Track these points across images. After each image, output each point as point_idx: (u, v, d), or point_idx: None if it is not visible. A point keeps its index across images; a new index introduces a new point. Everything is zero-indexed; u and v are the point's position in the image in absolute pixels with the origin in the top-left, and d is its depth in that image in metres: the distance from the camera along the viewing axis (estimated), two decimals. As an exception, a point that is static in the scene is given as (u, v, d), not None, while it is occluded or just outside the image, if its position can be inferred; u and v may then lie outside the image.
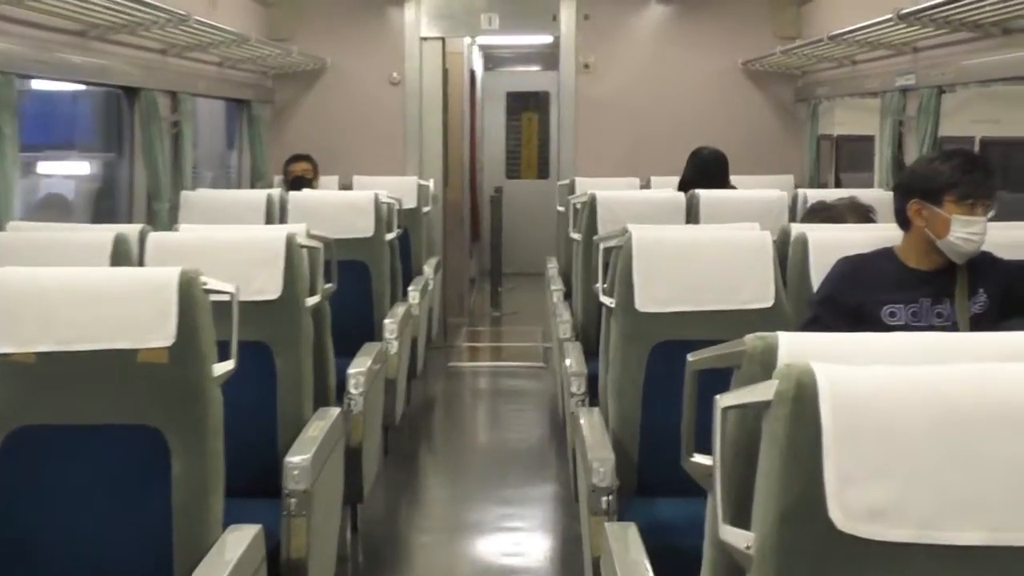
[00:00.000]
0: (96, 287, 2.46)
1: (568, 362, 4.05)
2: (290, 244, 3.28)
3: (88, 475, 2.42)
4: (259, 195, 5.21)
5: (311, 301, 3.35)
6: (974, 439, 1.42)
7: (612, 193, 5.12)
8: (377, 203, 5.16)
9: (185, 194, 5.24)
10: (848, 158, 6.31)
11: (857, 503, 1.42)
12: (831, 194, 5.16)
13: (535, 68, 11.94)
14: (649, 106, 7.55)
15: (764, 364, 1.62)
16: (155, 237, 3.32)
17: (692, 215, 5.02)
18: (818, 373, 1.45)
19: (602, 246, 3.43)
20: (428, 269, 6.61)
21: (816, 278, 3.24)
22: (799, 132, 7.37)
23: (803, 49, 6.31)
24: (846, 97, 6.35)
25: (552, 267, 6.61)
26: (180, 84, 5.39)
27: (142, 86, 4.90)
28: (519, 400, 6.55)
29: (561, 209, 7.04)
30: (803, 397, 1.44)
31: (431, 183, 7.39)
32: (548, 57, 10.88)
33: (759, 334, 1.66)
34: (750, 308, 3.23)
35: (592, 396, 3.78)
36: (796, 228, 3.43)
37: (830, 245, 3.26)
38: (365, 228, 5.12)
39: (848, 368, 1.47)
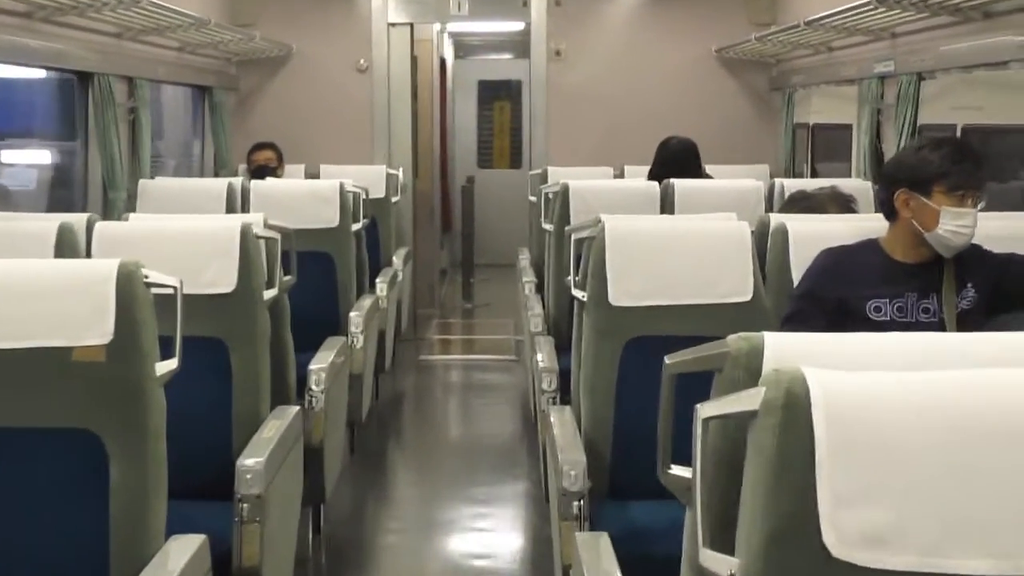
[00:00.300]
0: (28, 280, 2.29)
1: (539, 357, 3.90)
2: (245, 235, 3.12)
3: (19, 481, 2.26)
4: (220, 184, 5.04)
5: (268, 295, 3.19)
6: (980, 454, 1.28)
7: (585, 182, 4.99)
8: (342, 192, 4.99)
9: (143, 183, 5.06)
10: (824, 147, 6.20)
11: (853, 526, 1.27)
12: (808, 184, 5.05)
13: (507, 56, 11.79)
14: (622, 94, 7.41)
15: (748, 368, 1.48)
16: (102, 227, 3.14)
17: (667, 205, 4.89)
18: (810, 380, 1.31)
19: (574, 237, 3.28)
20: (397, 260, 6.46)
21: (797, 271, 3.10)
22: (774, 121, 7.24)
23: (778, 36, 6.18)
24: (822, 85, 6.22)
25: (524, 258, 6.47)
26: (137, 69, 5.19)
27: (96, 71, 4.70)
28: (490, 394, 6.41)
29: (533, 199, 6.90)
30: (794, 406, 1.30)
31: (400, 172, 7.22)
32: (520, 45, 10.73)
33: (743, 335, 1.52)
34: (728, 302, 3.10)
35: (564, 393, 3.64)
36: (775, 218, 3.30)
37: (811, 236, 3.13)
38: (330, 218, 4.95)
39: (842, 374, 1.33)
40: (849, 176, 5.66)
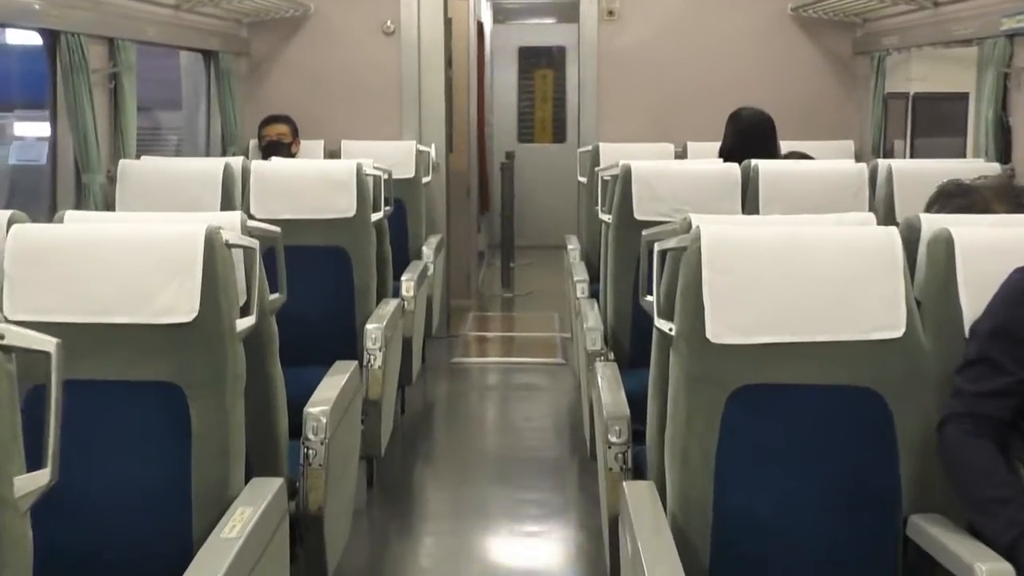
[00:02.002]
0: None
1: (604, 398, 3.03)
2: (211, 245, 2.30)
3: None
4: (214, 165, 4.23)
5: (243, 324, 2.37)
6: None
7: (650, 164, 4.13)
8: (360, 175, 4.17)
9: (124, 164, 4.26)
10: (927, 121, 5.28)
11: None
12: (921, 166, 4.19)
13: (550, 20, 10.86)
14: (683, 60, 6.49)
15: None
16: (21, 232, 2.32)
17: (749, 192, 4.05)
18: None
19: (657, 248, 2.44)
20: (428, 250, 5.63)
21: (968, 297, 2.26)
22: (857, 90, 6.33)
23: (871, -11, 5.28)
24: (925, 47, 5.29)
25: (573, 249, 5.62)
26: (118, 28, 4.38)
27: (63, 29, 3.89)
28: (534, 404, 5.56)
29: (583, 180, 6.05)
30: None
31: (432, 149, 6.40)
32: (564, 7, 9.85)
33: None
34: (871, 339, 2.25)
35: (637, 442, 2.80)
36: (930, 221, 2.44)
37: (988, 248, 2.30)
38: (345, 207, 4.15)
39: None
40: (964, 156, 4.78)
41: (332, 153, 6.09)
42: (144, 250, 2.29)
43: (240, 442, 2.34)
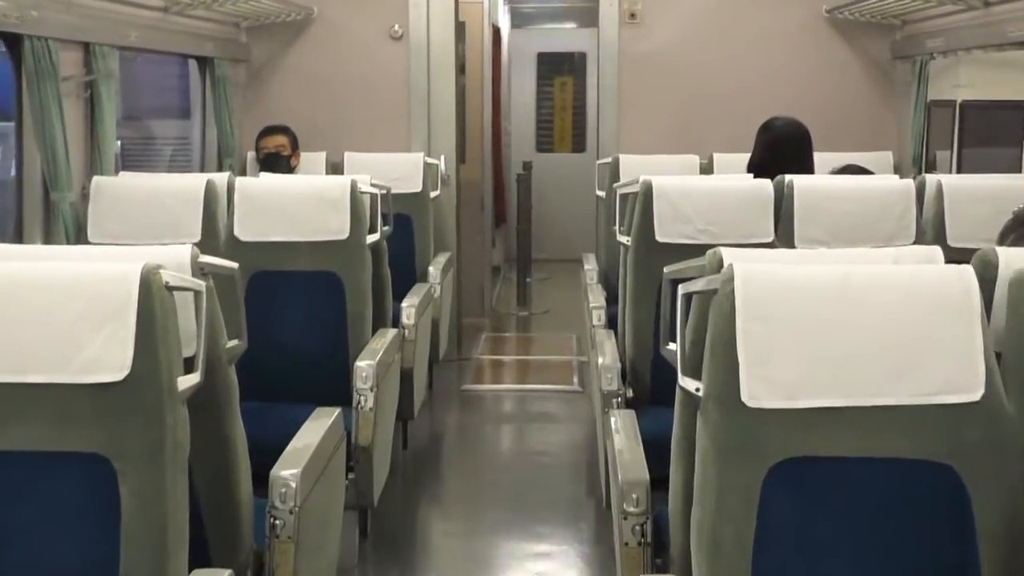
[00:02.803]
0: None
1: (619, 458, 2.59)
2: (148, 289, 1.92)
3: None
4: (195, 182, 3.87)
5: (186, 383, 1.98)
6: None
7: (673, 180, 3.74)
8: (354, 193, 3.80)
9: (97, 181, 3.91)
10: (976, 131, 4.86)
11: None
12: (975, 183, 3.79)
13: (570, 25, 10.48)
14: (709, 65, 6.10)
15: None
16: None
17: (783, 211, 3.66)
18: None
19: (682, 290, 2.04)
20: (435, 271, 5.25)
21: (1063, 352, 1.85)
22: (895, 97, 5.92)
23: (915, -11, 4.87)
24: (974, 51, 4.87)
25: (590, 269, 5.22)
26: (94, 32, 4.02)
27: (26, 32, 3.54)
28: (550, 438, 5.16)
29: (601, 194, 5.66)
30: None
31: (441, 161, 6.03)
32: (585, 12, 9.49)
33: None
34: (944, 403, 1.85)
35: (660, 488, 2.41)
36: (1009, 257, 2.03)
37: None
38: (338, 228, 3.79)
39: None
40: (1020, 170, 4.36)
41: (335, 166, 5.73)
42: (69, 294, 1.91)
43: (180, 524, 1.94)
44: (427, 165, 5.67)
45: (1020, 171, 4.33)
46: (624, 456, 2.50)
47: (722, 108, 6.03)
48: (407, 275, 5.16)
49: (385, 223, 4.16)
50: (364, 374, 3.36)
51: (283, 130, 5.58)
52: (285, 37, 6.08)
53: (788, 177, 3.75)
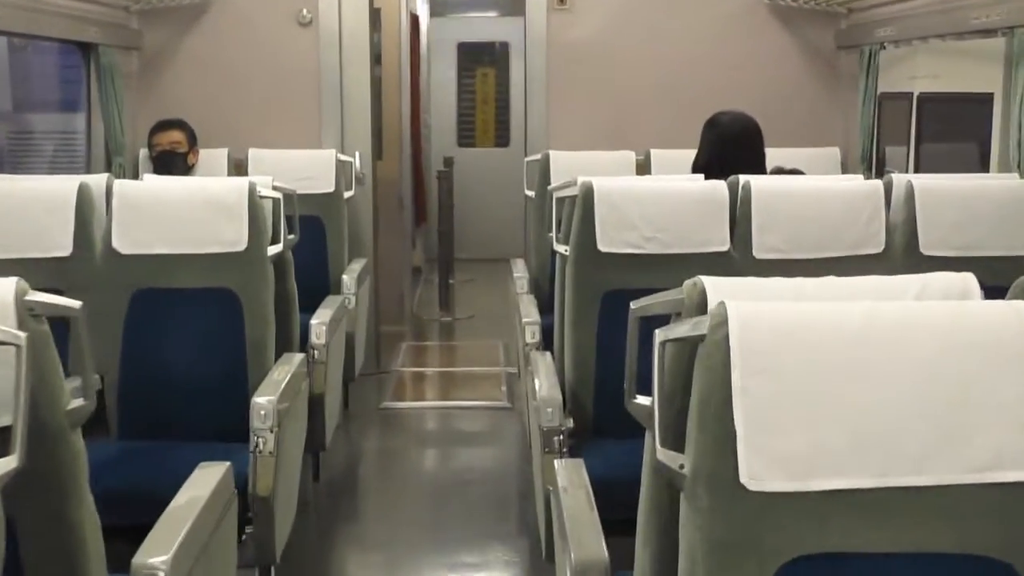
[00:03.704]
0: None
1: (570, 531, 2.12)
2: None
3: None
4: (66, 186, 3.32)
5: (4, 467, 1.49)
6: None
7: (615, 183, 3.31)
8: (252, 199, 3.30)
9: (-54, 186, 3.35)
10: (934, 126, 4.51)
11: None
12: (951, 185, 3.43)
13: (492, 14, 10.02)
14: (643, 55, 5.70)
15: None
16: None
17: (740, 217, 3.28)
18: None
19: (659, 338, 1.59)
20: (349, 279, 4.76)
21: None
22: (841, 90, 5.58)
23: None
24: (931, 40, 4.52)
25: (520, 277, 4.77)
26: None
27: None
28: (475, 458, 4.73)
29: (530, 194, 5.23)
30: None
31: (356, 158, 5.54)
32: (507, 1, 9.04)
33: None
34: (1001, 482, 1.44)
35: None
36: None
37: None
38: (234, 239, 3.28)
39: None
40: (983, 166, 4.03)
41: (238, 163, 5.22)
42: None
43: None
44: (340, 163, 5.18)
45: (985, 169, 3.99)
46: (578, 530, 2.04)
47: (657, 101, 5.65)
48: (319, 285, 4.68)
49: (291, 231, 3.67)
50: (263, 412, 2.86)
51: (178, 124, 5.04)
52: (182, 22, 5.53)
53: (743, 178, 3.36)
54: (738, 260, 3.25)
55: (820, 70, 5.65)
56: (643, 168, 5.16)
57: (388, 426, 5.14)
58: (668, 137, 5.25)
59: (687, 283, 1.66)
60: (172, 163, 4.94)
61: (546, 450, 2.82)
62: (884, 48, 4.94)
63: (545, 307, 4.12)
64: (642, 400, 1.68)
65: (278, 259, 3.45)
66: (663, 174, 4.87)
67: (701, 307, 1.61)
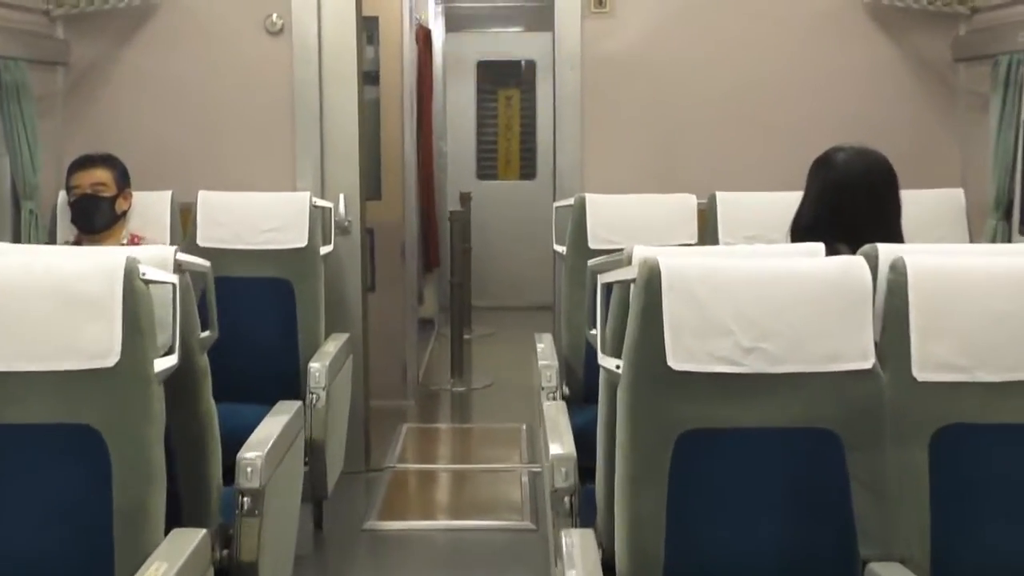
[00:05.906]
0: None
1: None
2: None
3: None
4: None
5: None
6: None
7: (696, 264, 2.13)
8: (131, 282, 2.13)
9: None
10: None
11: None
12: None
13: (516, 29, 8.85)
14: (703, 70, 4.47)
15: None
16: None
17: (889, 318, 2.08)
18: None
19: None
20: (318, 367, 3.56)
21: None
22: (955, 112, 4.36)
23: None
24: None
25: (546, 364, 3.45)
26: None
27: None
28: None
29: (561, 250, 4.01)
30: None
31: (340, 201, 4.38)
32: (534, 13, 7.92)
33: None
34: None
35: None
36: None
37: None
38: (104, 348, 2.11)
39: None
40: None
41: (185, 209, 4.05)
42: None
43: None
44: (317, 209, 4.01)
45: None
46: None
47: (721, 128, 4.44)
48: (284, 372, 3.55)
49: (205, 329, 2.49)
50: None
51: (103, 161, 3.86)
52: (120, 31, 4.37)
53: (889, 250, 2.16)
54: (888, 385, 2.08)
55: (932, 88, 4.42)
56: (706, 217, 3.94)
57: (373, 555, 3.91)
58: (735, 175, 4.15)
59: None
60: (94, 209, 3.79)
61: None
62: (1029, 58, 3.71)
63: (577, 397, 3.32)
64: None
65: (188, 370, 2.31)
66: (733, 225, 3.72)
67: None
